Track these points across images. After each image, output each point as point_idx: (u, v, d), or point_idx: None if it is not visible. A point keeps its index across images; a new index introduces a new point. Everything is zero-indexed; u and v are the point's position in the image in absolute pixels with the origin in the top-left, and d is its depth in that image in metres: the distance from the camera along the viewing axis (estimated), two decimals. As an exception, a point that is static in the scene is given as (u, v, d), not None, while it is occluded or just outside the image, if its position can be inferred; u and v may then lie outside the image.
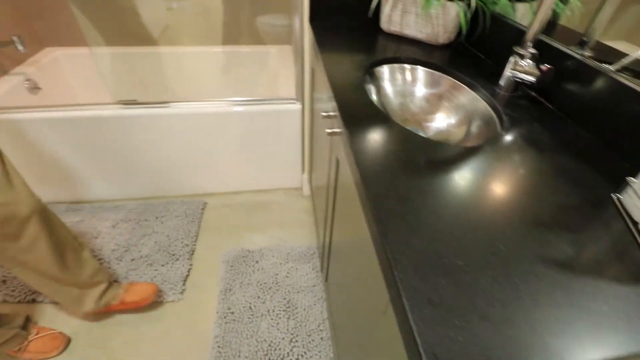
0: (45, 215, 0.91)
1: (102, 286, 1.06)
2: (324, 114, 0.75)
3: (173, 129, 1.36)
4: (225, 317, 1.11)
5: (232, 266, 1.27)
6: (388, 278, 0.39)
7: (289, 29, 2.03)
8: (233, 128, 1.40)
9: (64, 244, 0.96)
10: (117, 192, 1.52)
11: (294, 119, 1.38)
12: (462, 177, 0.50)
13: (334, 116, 0.73)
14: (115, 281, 1.19)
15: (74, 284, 1.00)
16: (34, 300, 1.16)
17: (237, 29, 2.13)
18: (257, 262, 1.28)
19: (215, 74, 2.00)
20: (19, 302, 1.16)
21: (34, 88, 1.59)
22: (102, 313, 1.12)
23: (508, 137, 0.59)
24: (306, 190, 1.57)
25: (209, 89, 1.97)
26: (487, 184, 0.49)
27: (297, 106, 1.35)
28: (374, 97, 0.76)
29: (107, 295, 1.07)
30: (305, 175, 1.53)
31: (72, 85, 1.83)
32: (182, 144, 1.41)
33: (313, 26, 1.05)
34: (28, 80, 1.56)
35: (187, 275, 1.25)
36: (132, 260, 1.28)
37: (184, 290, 1.20)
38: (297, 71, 1.26)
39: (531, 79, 0.65)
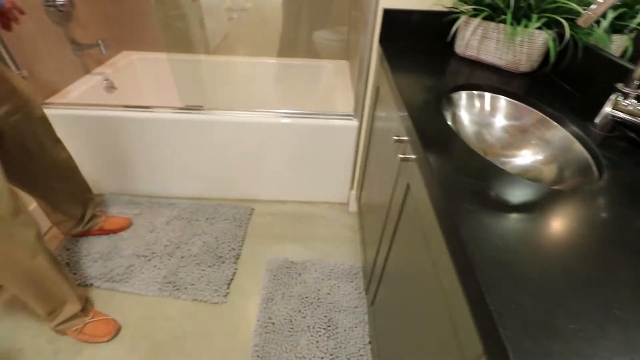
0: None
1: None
2: (396, 137, 0.73)
3: (228, 135, 1.41)
4: (265, 326, 1.12)
5: (275, 275, 1.27)
6: (486, 332, 0.36)
7: (346, 45, 2.05)
8: (284, 138, 1.42)
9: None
10: (173, 190, 1.60)
11: (349, 135, 1.38)
12: (563, 226, 0.46)
13: (407, 141, 0.71)
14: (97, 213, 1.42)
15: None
16: (91, 284, 1.24)
17: (294, 41, 2.18)
18: (299, 274, 1.28)
19: (270, 85, 2.06)
20: (78, 284, 1.24)
21: (111, 87, 1.73)
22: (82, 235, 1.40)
23: (609, 184, 0.54)
24: (352, 207, 1.55)
25: (265, 99, 2.04)
26: (591, 237, 0.45)
27: (354, 123, 1.35)
28: (449, 123, 0.74)
29: (92, 221, 1.37)
30: (354, 192, 1.51)
31: (143, 87, 1.97)
32: (235, 149, 1.46)
33: (383, 46, 1.05)
34: (106, 80, 1.71)
35: (232, 279, 1.27)
36: (182, 257, 1.33)
37: (227, 293, 1.23)
38: (359, 88, 1.26)
39: (637, 121, 0.59)
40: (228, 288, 1.24)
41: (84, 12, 1.66)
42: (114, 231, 1.42)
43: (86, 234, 1.38)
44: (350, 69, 1.86)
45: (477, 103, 0.79)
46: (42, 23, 1.43)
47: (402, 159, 0.68)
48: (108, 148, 1.47)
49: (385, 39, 1.07)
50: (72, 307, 1.05)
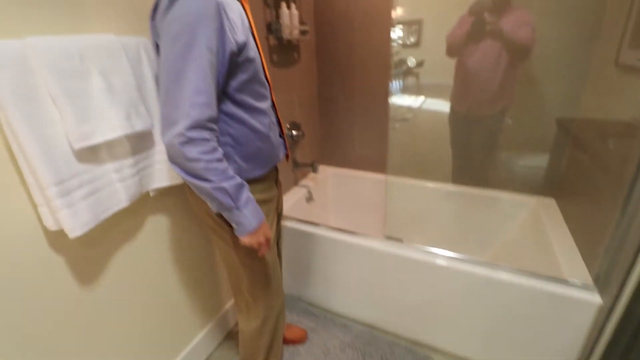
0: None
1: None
2: None
3: (416, 271, 1.32)
4: None
5: None
6: None
7: (549, 177, 1.73)
8: (479, 290, 1.22)
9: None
10: (348, 309, 1.58)
11: (579, 312, 1.07)
12: None
13: None
14: None
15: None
16: None
17: (469, 164, 1.89)
18: None
19: (450, 217, 1.89)
20: None
21: (310, 199, 1.99)
22: None
23: None
24: (577, 404, 1.13)
25: (449, 235, 1.84)
26: None
27: (594, 298, 1.05)
28: None
29: None
30: (582, 385, 1.11)
31: (333, 198, 2.21)
32: (420, 288, 1.34)
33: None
34: (308, 192, 1.99)
35: None
36: (356, 403, 1.20)
37: None
38: (613, 254, 1.00)
39: None
40: None
41: (305, 139, 2.07)
42: (293, 342, 1.44)
43: None
44: (562, 212, 1.57)
45: None
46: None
47: None
48: (296, 254, 1.60)
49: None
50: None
